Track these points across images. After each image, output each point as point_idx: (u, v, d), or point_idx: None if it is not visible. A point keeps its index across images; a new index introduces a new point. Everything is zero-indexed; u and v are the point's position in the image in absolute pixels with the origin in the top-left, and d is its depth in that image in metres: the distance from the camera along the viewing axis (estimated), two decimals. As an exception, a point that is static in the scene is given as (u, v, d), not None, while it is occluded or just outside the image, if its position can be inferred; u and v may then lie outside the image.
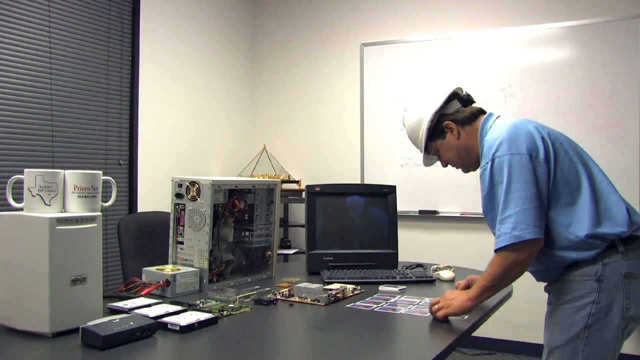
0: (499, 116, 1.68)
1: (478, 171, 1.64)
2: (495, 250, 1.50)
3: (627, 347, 3.58)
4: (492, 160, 1.52)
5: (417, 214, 4.04)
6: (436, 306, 1.54)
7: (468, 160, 1.71)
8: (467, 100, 1.72)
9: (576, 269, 1.49)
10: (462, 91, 1.74)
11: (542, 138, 1.53)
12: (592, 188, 1.52)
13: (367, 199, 2.46)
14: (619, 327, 1.46)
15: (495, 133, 1.57)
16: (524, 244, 1.45)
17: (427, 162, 1.82)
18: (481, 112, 1.71)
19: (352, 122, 4.39)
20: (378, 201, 2.45)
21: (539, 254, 1.53)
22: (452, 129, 1.68)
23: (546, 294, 1.64)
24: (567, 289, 1.50)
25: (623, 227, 1.48)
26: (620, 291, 1.45)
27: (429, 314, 1.58)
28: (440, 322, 1.53)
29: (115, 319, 1.32)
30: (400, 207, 3.04)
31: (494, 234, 1.55)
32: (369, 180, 4.23)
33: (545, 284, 1.65)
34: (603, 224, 1.48)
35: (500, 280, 1.50)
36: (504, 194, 1.48)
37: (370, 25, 4.37)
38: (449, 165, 1.78)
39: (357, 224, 2.43)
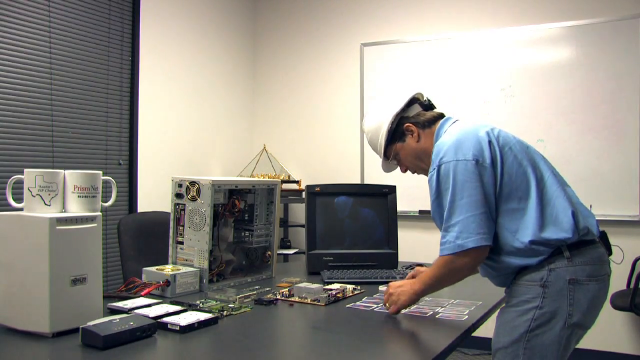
0: (455, 121, 1.67)
1: None
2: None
3: (628, 347, 3.59)
4: (439, 167, 1.52)
5: (417, 214, 4.04)
6: (387, 304, 1.60)
7: (428, 164, 1.67)
8: (428, 105, 1.73)
9: (524, 274, 1.49)
10: (423, 96, 1.74)
11: (490, 142, 1.52)
12: (540, 193, 1.50)
13: (366, 199, 2.46)
14: (560, 333, 1.44)
15: (444, 138, 1.57)
16: (466, 252, 1.46)
17: (387, 168, 1.81)
18: (441, 116, 1.71)
19: (352, 122, 4.39)
20: (378, 201, 2.45)
21: (489, 261, 1.55)
22: (413, 132, 1.68)
23: None
24: (515, 293, 1.51)
25: (567, 233, 1.45)
26: (564, 297, 1.44)
27: (385, 309, 1.63)
28: (391, 316, 1.60)
29: (115, 319, 1.32)
30: (400, 207, 3.03)
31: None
32: (369, 180, 4.23)
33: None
34: (547, 229, 1.46)
35: (443, 283, 1.56)
36: (449, 201, 1.48)
37: (370, 25, 4.37)
38: (408, 172, 1.79)
39: (357, 224, 2.43)
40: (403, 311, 1.62)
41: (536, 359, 1.44)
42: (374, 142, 1.77)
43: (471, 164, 1.48)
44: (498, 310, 1.82)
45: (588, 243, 1.49)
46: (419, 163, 1.72)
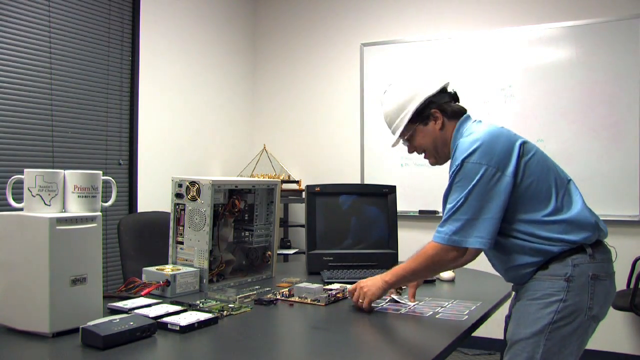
0: (475, 120, 1.69)
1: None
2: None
3: (628, 347, 3.59)
4: (462, 163, 1.54)
5: (417, 214, 4.04)
6: (359, 300, 1.65)
7: (441, 153, 1.71)
8: (454, 96, 1.74)
9: (546, 268, 1.54)
10: (449, 87, 1.75)
11: (517, 149, 1.56)
12: (562, 198, 1.56)
13: (366, 199, 2.46)
14: (581, 325, 1.50)
15: (471, 137, 1.58)
16: (457, 249, 1.53)
17: (395, 143, 1.80)
18: (463, 112, 1.71)
19: (352, 122, 4.38)
20: (378, 201, 2.45)
21: (510, 253, 1.57)
22: (438, 119, 1.68)
23: None
24: (538, 287, 1.54)
25: (590, 234, 1.53)
26: (586, 292, 1.50)
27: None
28: (365, 312, 1.63)
29: (115, 319, 1.32)
30: (400, 207, 3.03)
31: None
32: (369, 180, 4.23)
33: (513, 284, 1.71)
34: (569, 233, 1.52)
35: (420, 276, 1.67)
36: (462, 197, 1.52)
37: (370, 25, 4.37)
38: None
39: (357, 224, 2.43)
40: (377, 306, 1.69)
41: (556, 350, 1.48)
42: (392, 118, 1.73)
43: (492, 170, 1.51)
44: (499, 308, 1.83)
45: (601, 242, 1.58)
46: (433, 149, 1.72)
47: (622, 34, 3.57)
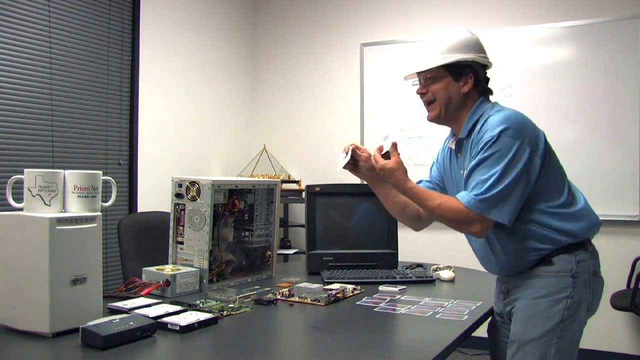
0: (496, 103, 1.70)
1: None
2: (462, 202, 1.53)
3: (628, 347, 3.58)
4: (499, 134, 1.50)
5: (417, 214, 4.03)
6: (380, 164, 1.71)
7: (449, 113, 1.66)
8: (488, 81, 1.74)
9: (551, 264, 1.54)
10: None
11: (543, 135, 1.58)
12: (570, 190, 1.60)
13: (366, 199, 2.46)
14: (584, 321, 1.54)
15: (503, 113, 1.56)
16: (481, 218, 1.50)
17: (410, 77, 1.76)
18: (489, 94, 1.72)
19: (352, 122, 4.38)
20: (378, 201, 2.45)
21: (519, 237, 1.56)
22: (469, 84, 1.65)
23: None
24: (543, 284, 1.54)
25: (593, 225, 1.57)
26: (588, 287, 1.53)
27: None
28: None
29: (115, 319, 1.32)
30: (400, 207, 3.02)
31: (465, 188, 1.60)
32: (369, 180, 4.22)
33: (497, 277, 1.72)
34: (579, 224, 1.55)
35: (417, 204, 1.64)
36: (497, 171, 1.49)
37: (370, 25, 4.37)
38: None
39: (357, 224, 2.43)
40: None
41: (567, 347, 1.50)
42: (434, 51, 1.65)
43: (528, 150, 1.51)
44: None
45: (590, 240, 1.61)
46: (444, 103, 1.65)
47: (622, 34, 3.57)
